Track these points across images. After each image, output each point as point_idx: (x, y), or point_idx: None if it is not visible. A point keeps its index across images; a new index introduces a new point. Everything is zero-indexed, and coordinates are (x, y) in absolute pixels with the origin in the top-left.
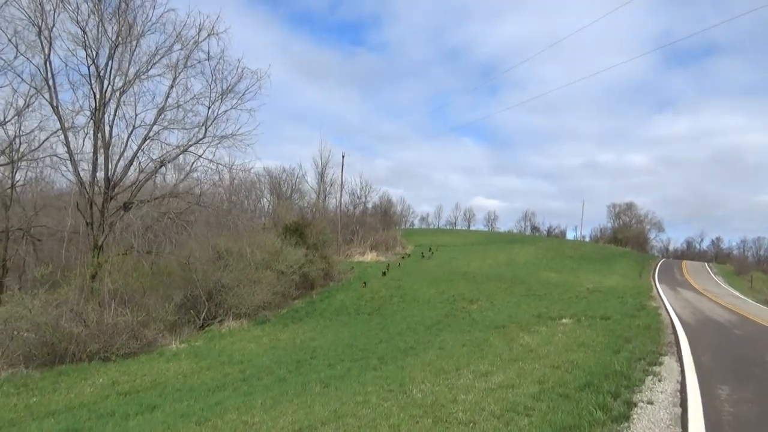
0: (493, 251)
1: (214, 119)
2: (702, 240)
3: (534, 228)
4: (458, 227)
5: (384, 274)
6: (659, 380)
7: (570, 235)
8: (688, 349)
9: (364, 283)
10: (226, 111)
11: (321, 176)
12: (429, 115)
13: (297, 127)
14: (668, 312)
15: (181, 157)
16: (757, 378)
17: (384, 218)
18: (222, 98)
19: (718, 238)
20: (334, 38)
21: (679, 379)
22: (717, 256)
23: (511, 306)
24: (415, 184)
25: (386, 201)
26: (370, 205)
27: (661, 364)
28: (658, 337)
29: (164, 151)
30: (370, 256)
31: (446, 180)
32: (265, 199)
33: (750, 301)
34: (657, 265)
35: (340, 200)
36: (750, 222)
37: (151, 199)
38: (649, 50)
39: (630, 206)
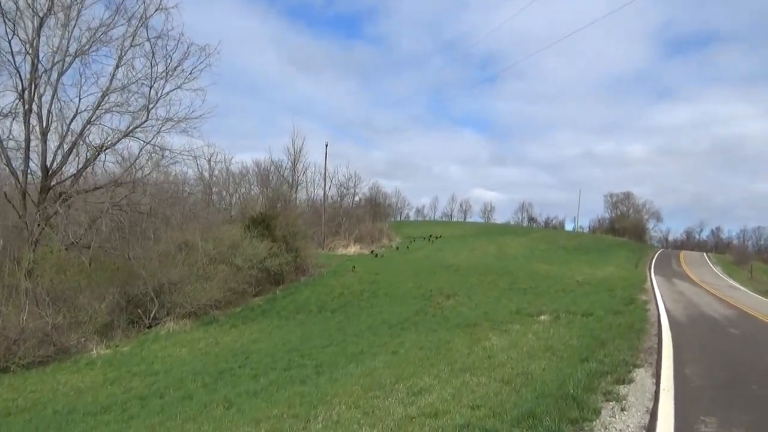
0: (484, 243)
1: (157, 100)
2: (701, 230)
3: (531, 219)
4: (454, 219)
5: (353, 269)
6: (622, 409)
7: (569, 226)
8: (670, 357)
9: (353, 267)
10: (170, 91)
11: (293, 165)
12: (427, 107)
13: (295, 119)
14: (658, 307)
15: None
16: (756, 401)
17: (373, 210)
18: (167, 77)
19: (717, 228)
20: (331, 31)
21: (650, 406)
22: (717, 246)
23: (490, 301)
24: (414, 176)
25: (376, 192)
26: (359, 197)
27: (631, 381)
28: (639, 340)
29: (106, 137)
30: (353, 249)
31: (445, 171)
32: (254, 192)
33: (749, 292)
34: (655, 255)
35: (325, 191)
36: (750, 211)
37: (91, 190)
38: (651, 39)
39: (628, 196)
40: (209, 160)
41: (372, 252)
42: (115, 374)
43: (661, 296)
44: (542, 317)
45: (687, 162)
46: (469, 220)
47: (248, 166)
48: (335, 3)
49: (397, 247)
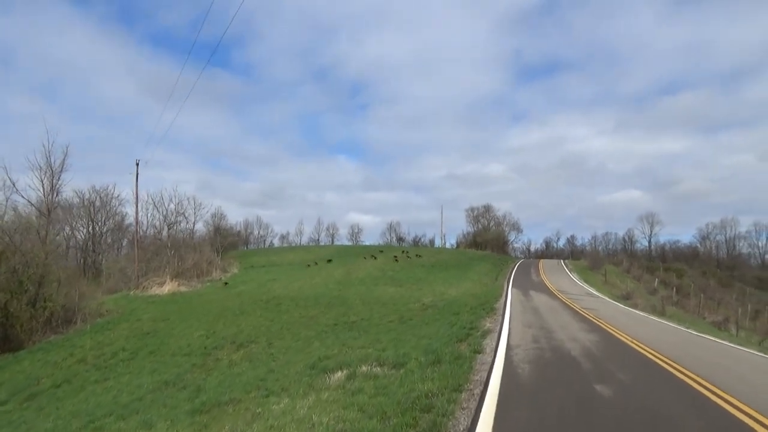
0: (332, 267)
1: None
2: (558, 239)
3: (400, 239)
4: (322, 243)
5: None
6: None
7: (439, 243)
8: None
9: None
10: None
11: (51, 186)
12: (301, 135)
13: (163, 151)
14: (498, 342)
15: None
16: None
17: (217, 239)
18: None
19: (572, 236)
20: (195, 59)
21: None
22: (573, 253)
23: (293, 349)
24: (289, 205)
25: (219, 219)
26: (199, 225)
27: None
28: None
29: None
30: (169, 287)
31: (321, 198)
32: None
33: (608, 300)
34: (515, 266)
35: (137, 219)
36: (596, 220)
37: None
38: (506, 66)
39: (488, 209)
40: None
41: (203, 288)
42: None
43: (510, 320)
44: (337, 374)
45: (540, 178)
46: (336, 243)
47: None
48: (199, 30)
49: (226, 282)
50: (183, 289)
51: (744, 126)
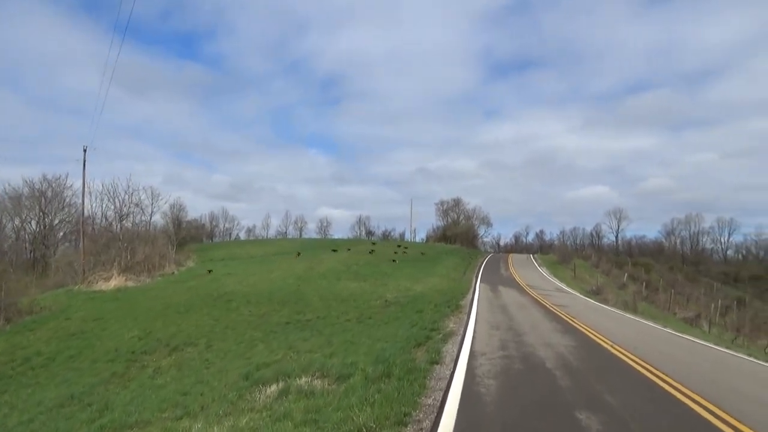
0: (295, 261)
1: None
2: (528, 234)
3: (369, 232)
4: (290, 236)
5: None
6: None
7: (408, 237)
8: None
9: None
10: None
11: None
12: (273, 128)
13: (131, 143)
14: (461, 347)
15: None
16: None
17: (177, 231)
18: None
19: (541, 231)
20: (165, 50)
21: None
22: (542, 248)
23: (232, 354)
24: (259, 198)
25: (178, 210)
26: (156, 217)
27: None
28: None
29: None
30: (116, 282)
31: (291, 192)
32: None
33: (579, 295)
34: (484, 260)
35: (83, 210)
36: (564, 216)
37: None
38: (478, 63)
39: (457, 202)
40: None
41: (154, 282)
42: None
43: (476, 320)
44: (271, 389)
45: (511, 174)
46: (305, 236)
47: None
48: (169, 21)
49: (173, 273)
50: (130, 284)
51: (707, 125)
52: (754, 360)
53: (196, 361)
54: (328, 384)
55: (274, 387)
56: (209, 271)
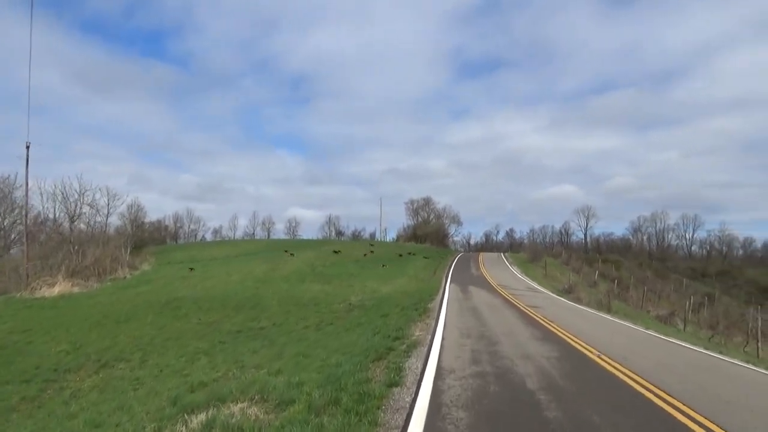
0: (257, 263)
1: None
2: (498, 232)
3: (339, 233)
4: (257, 237)
5: None
6: None
7: (378, 237)
8: None
9: None
10: None
11: None
12: (242, 128)
13: (93, 143)
14: (428, 363)
15: None
16: None
17: (135, 232)
18: None
19: (511, 230)
20: (129, 48)
21: None
22: (512, 246)
23: (168, 370)
24: (228, 198)
25: (136, 211)
26: (113, 218)
27: None
28: None
29: None
30: (60, 287)
31: (260, 192)
32: None
33: (552, 295)
34: (455, 260)
35: (26, 210)
36: (533, 214)
37: None
38: (448, 63)
39: (427, 201)
40: None
41: (103, 287)
42: None
43: (444, 326)
44: (197, 419)
45: (480, 173)
46: (273, 237)
47: None
48: (134, 18)
49: (125, 277)
50: (76, 290)
51: (671, 125)
52: None
53: (125, 381)
54: (265, 412)
55: (202, 416)
56: (192, 270)
